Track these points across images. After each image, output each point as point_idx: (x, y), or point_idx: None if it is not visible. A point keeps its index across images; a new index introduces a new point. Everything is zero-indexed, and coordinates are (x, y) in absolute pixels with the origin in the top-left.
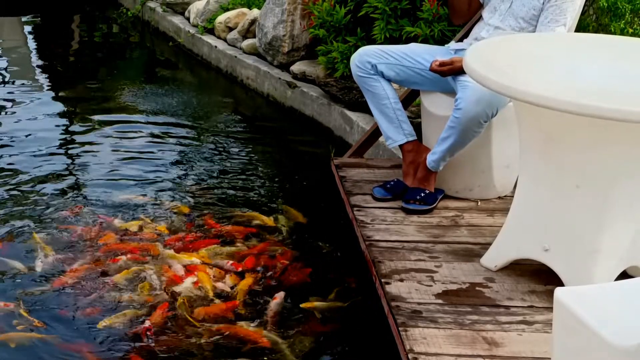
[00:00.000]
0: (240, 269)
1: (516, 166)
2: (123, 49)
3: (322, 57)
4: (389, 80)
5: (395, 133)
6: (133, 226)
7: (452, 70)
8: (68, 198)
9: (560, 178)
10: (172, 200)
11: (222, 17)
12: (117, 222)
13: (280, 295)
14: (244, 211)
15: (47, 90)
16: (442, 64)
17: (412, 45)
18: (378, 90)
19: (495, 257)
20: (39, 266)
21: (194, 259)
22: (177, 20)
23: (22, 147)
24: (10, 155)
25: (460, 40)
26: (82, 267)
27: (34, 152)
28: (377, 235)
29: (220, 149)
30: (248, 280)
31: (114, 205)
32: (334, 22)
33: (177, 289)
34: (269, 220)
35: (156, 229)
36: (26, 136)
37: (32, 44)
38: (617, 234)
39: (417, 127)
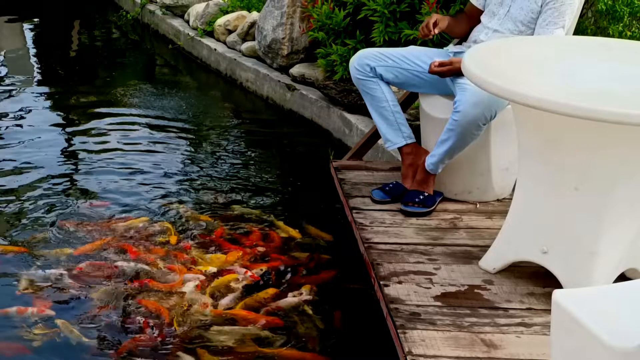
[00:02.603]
0: (259, 280)
1: (515, 169)
2: (123, 52)
3: (321, 60)
4: (387, 82)
5: (394, 135)
6: (141, 225)
7: (452, 71)
8: (68, 199)
9: (559, 180)
10: (171, 203)
11: (221, 20)
12: (127, 224)
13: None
14: (268, 219)
15: (47, 92)
16: (441, 65)
17: (411, 47)
18: (377, 93)
19: (494, 259)
20: (49, 270)
21: (210, 267)
22: (176, 23)
23: (22, 149)
24: (8, 157)
25: (459, 43)
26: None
27: (34, 153)
28: (376, 238)
29: (219, 151)
30: (268, 291)
31: (115, 209)
32: (333, 24)
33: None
34: (294, 232)
35: (179, 238)
36: (25, 138)
37: (32, 47)
38: (616, 236)
39: (416, 130)
